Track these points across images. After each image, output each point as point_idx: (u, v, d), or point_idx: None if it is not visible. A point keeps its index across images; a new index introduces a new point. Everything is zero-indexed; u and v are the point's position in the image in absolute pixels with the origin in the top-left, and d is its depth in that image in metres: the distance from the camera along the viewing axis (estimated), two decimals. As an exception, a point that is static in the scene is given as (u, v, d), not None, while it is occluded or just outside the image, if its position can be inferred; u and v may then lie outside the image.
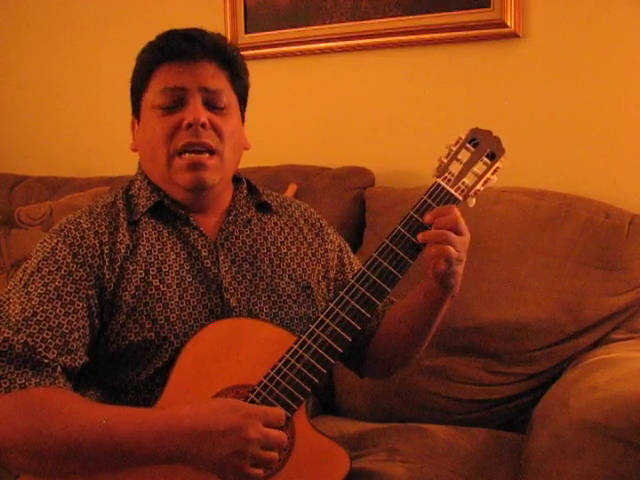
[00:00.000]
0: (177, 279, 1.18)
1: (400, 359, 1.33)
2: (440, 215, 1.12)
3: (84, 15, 2.54)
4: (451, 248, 1.10)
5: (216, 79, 1.22)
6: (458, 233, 1.12)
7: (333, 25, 2.08)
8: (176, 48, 1.19)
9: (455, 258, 1.11)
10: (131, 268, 1.17)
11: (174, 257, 1.20)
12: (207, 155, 1.19)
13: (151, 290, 1.16)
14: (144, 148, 1.24)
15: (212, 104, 1.21)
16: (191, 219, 1.22)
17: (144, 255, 1.18)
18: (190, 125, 1.17)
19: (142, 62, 1.23)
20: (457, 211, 1.13)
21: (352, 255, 1.41)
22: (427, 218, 1.12)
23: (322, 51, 2.11)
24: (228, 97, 1.23)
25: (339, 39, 2.07)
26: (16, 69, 2.72)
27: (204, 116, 1.18)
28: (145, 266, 1.18)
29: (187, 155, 1.18)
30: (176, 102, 1.19)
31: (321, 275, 1.31)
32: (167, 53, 1.20)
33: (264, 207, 1.32)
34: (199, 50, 1.20)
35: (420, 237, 1.12)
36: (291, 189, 1.94)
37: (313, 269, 1.30)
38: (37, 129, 2.69)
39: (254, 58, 2.11)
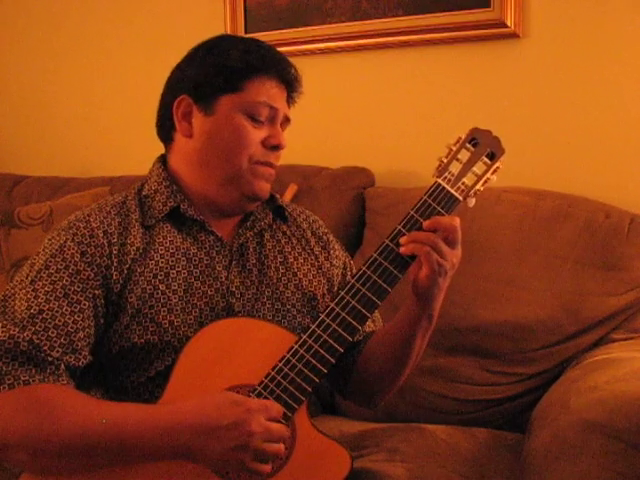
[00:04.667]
0: (185, 285, 1.18)
1: (380, 385, 1.29)
2: (439, 222, 1.11)
3: (84, 16, 2.53)
4: (437, 256, 1.08)
5: (288, 107, 1.28)
6: (449, 243, 1.10)
7: (333, 25, 2.08)
8: (276, 65, 1.22)
9: (437, 264, 1.08)
10: (139, 270, 1.16)
11: (184, 262, 1.19)
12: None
13: (157, 294, 1.16)
14: (213, 144, 1.21)
15: (282, 127, 1.26)
16: (207, 224, 1.22)
17: (155, 259, 1.18)
18: (274, 147, 1.22)
19: (234, 59, 1.20)
20: (457, 222, 1.11)
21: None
22: (426, 224, 1.11)
23: (322, 51, 2.12)
24: None
25: (339, 39, 2.08)
26: (16, 69, 2.72)
27: (285, 142, 1.24)
28: (154, 270, 1.17)
29: (267, 167, 1.23)
30: (267, 118, 1.22)
31: (326, 289, 1.31)
32: (268, 66, 1.21)
33: (279, 212, 1.32)
34: (291, 76, 1.25)
35: (404, 239, 1.10)
36: (291, 189, 1.94)
37: (319, 281, 1.30)
38: (37, 129, 2.69)
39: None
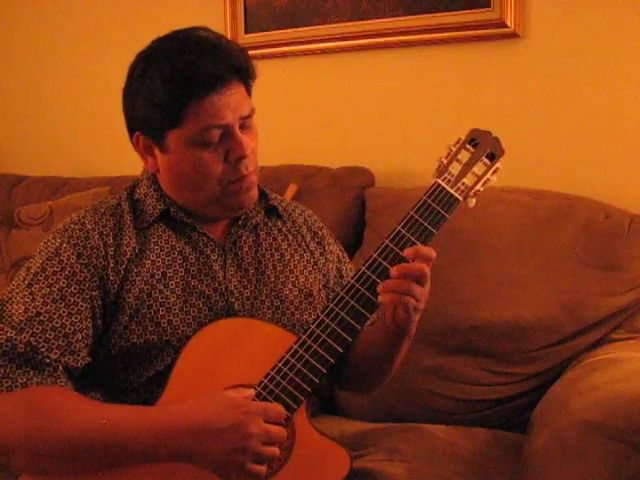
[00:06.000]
0: (182, 284, 1.18)
1: (369, 380, 1.34)
2: (419, 256, 1.09)
3: (84, 15, 2.54)
4: (411, 299, 1.09)
5: (245, 100, 1.18)
6: (421, 283, 1.10)
7: (333, 25, 2.08)
8: (207, 80, 1.11)
9: (414, 308, 1.10)
10: (135, 270, 1.17)
11: (181, 261, 1.20)
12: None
13: (155, 293, 1.16)
14: (179, 178, 1.19)
15: (245, 126, 1.18)
16: (197, 226, 1.22)
17: (151, 259, 1.18)
18: (238, 159, 1.16)
19: (162, 93, 1.12)
20: (431, 256, 1.10)
21: (350, 265, 1.41)
22: (407, 252, 1.10)
23: (322, 51, 2.12)
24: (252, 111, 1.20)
25: (339, 39, 2.07)
26: (16, 69, 2.72)
27: (250, 147, 1.16)
28: (151, 270, 1.17)
29: (241, 181, 1.17)
30: (221, 137, 1.14)
31: (322, 284, 1.32)
32: (198, 88, 1.11)
33: (272, 211, 1.31)
34: (226, 71, 1.13)
35: (380, 288, 1.09)
36: (291, 189, 1.94)
37: (315, 277, 1.30)
38: (37, 129, 2.69)
39: (254, 58, 2.09)
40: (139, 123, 1.18)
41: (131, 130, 1.21)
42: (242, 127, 1.17)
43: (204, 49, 1.13)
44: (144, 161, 1.22)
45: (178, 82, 1.11)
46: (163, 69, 1.12)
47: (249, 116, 1.18)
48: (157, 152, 1.19)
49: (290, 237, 1.31)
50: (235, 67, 1.15)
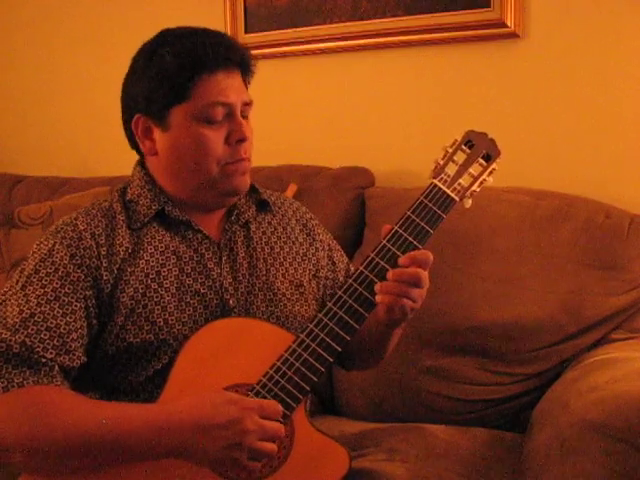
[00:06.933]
0: (177, 283, 1.19)
1: (369, 361, 1.40)
2: (414, 262, 1.11)
3: (84, 15, 2.54)
4: (408, 301, 1.11)
5: (245, 89, 1.23)
6: (418, 286, 1.11)
7: (333, 25, 2.08)
8: (215, 57, 1.16)
9: (410, 309, 1.12)
10: (129, 270, 1.17)
11: (175, 260, 1.20)
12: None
13: (150, 293, 1.17)
14: (178, 158, 1.20)
15: (244, 115, 1.22)
16: (193, 223, 1.23)
17: (145, 258, 1.18)
18: (239, 141, 1.18)
19: (171, 67, 1.15)
20: (427, 261, 1.12)
21: (341, 252, 1.43)
22: (403, 262, 1.11)
23: (322, 51, 2.12)
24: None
25: (339, 39, 2.08)
26: (16, 69, 2.72)
27: (249, 132, 1.20)
28: (145, 269, 1.18)
29: (238, 163, 1.20)
30: (224, 116, 1.18)
31: (311, 274, 1.33)
32: (207, 63, 1.16)
33: (263, 205, 1.32)
34: (232, 55, 1.19)
35: (378, 288, 1.10)
36: (291, 189, 1.94)
37: (304, 268, 1.32)
38: (37, 129, 2.70)
39: (254, 58, 2.11)
40: (141, 103, 1.19)
41: (129, 116, 1.22)
42: (242, 114, 1.21)
43: (210, 35, 1.19)
44: (142, 145, 1.23)
45: (189, 56, 1.16)
46: (174, 46, 1.17)
47: (249, 104, 1.22)
48: (157, 134, 1.20)
49: (280, 229, 1.33)
50: (237, 57, 1.20)
